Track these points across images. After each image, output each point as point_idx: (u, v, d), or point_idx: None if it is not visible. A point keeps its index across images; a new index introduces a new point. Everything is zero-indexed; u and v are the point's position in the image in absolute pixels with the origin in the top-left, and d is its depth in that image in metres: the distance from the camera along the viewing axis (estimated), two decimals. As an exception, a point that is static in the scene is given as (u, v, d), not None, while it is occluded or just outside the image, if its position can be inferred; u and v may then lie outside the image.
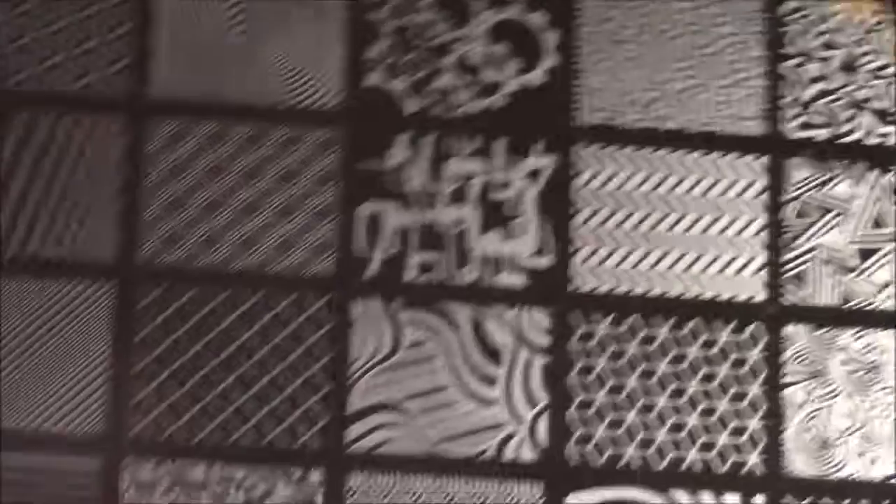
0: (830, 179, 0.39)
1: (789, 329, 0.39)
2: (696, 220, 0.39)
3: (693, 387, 0.38)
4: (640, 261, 0.39)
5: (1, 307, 0.37)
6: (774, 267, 0.39)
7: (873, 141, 0.39)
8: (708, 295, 0.38)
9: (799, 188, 0.40)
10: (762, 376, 0.38)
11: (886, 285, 0.39)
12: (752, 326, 0.38)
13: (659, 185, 0.39)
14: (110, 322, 0.37)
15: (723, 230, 0.39)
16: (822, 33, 0.39)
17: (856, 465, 0.38)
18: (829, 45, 0.39)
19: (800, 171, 0.39)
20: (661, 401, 0.38)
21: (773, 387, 0.38)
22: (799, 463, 0.38)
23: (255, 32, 0.39)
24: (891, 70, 0.39)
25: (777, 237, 0.39)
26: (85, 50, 0.39)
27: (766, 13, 0.39)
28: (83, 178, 0.38)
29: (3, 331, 0.36)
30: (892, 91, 0.39)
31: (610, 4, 0.40)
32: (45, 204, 0.38)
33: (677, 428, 0.38)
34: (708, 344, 0.38)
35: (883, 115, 0.39)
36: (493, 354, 0.38)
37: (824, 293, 0.39)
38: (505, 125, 0.39)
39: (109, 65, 0.38)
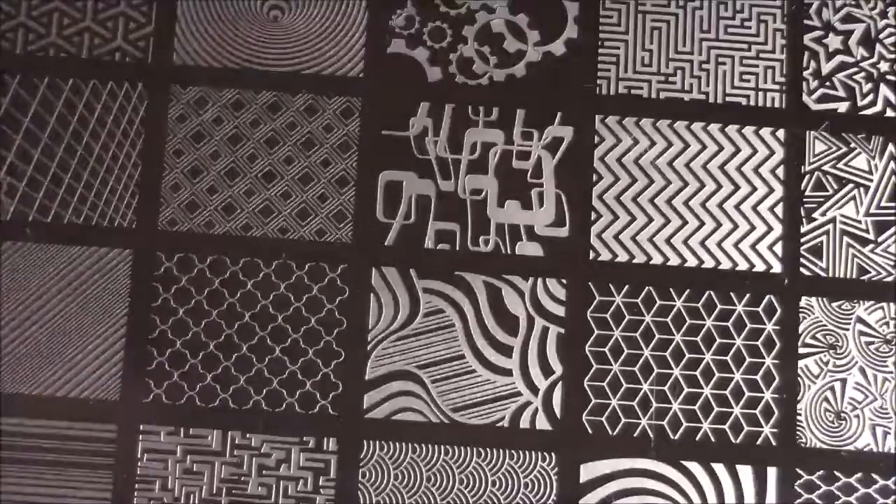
0: (849, 152, 0.38)
1: (805, 301, 0.37)
2: (715, 192, 0.37)
3: (708, 357, 0.37)
4: (658, 231, 0.37)
5: (19, 273, 0.36)
6: (791, 239, 0.38)
7: (892, 114, 0.38)
8: (724, 266, 0.37)
9: (817, 160, 0.38)
10: (777, 348, 0.37)
11: None
12: (767, 298, 0.37)
13: (678, 155, 0.37)
14: (129, 288, 0.36)
15: (740, 202, 0.37)
16: (843, 6, 0.38)
17: (869, 437, 0.36)
18: (850, 17, 0.38)
19: (818, 144, 0.38)
20: (676, 372, 0.37)
21: (788, 359, 0.37)
22: (812, 435, 0.37)
23: (281, 4, 0.38)
24: None
25: (794, 209, 0.38)
26: (109, 16, 0.37)
27: None
28: (104, 144, 0.37)
29: (21, 297, 0.36)
30: None
31: None
32: (66, 169, 0.36)
33: (691, 399, 0.37)
34: (723, 315, 0.37)
35: None
36: (509, 324, 0.37)
37: (840, 266, 0.38)
38: (525, 95, 0.38)
39: (133, 31, 0.36)
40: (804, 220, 0.35)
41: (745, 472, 0.34)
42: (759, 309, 0.35)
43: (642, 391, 0.35)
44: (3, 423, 0.34)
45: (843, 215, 0.35)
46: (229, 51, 0.35)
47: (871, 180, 0.35)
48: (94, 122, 0.34)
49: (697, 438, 0.34)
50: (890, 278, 0.35)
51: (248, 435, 0.34)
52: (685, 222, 0.35)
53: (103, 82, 0.34)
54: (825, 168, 0.35)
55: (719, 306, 0.35)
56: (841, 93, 0.35)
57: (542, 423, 0.34)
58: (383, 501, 0.34)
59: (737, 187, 0.35)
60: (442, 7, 0.36)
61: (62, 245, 0.34)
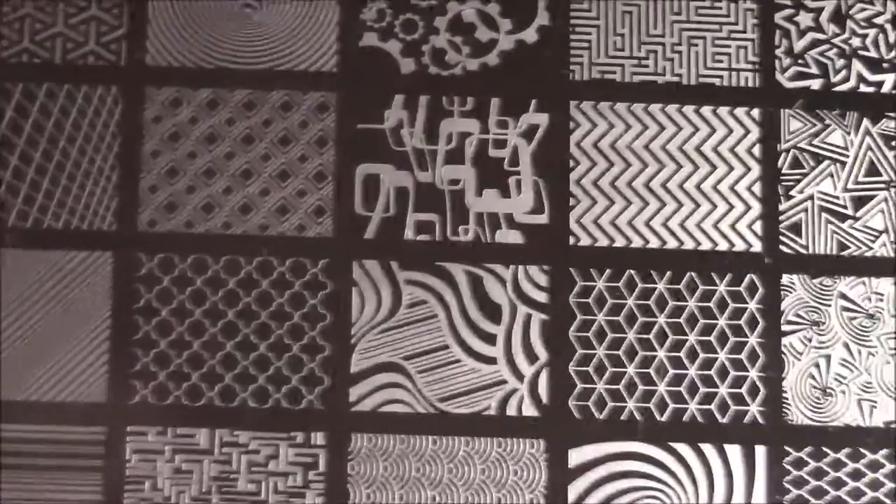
0: (824, 129, 0.38)
1: (786, 278, 0.37)
2: (692, 173, 0.37)
3: (692, 339, 0.37)
4: (637, 215, 0.37)
5: (2, 277, 0.36)
6: (770, 217, 0.38)
7: (865, 89, 0.38)
8: (705, 247, 0.37)
9: (793, 138, 0.38)
10: (760, 327, 0.37)
11: (882, 232, 0.37)
12: (749, 277, 0.37)
13: (654, 138, 0.37)
14: (111, 290, 0.36)
15: (718, 182, 0.37)
16: None
17: (856, 412, 0.36)
18: None
19: (793, 122, 0.38)
20: (661, 353, 0.37)
21: (772, 337, 0.37)
22: (799, 412, 0.37)
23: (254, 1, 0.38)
24: (883, 17, 0.37)
25: (772, 187, 0.38)
26: (81, 20, 0.37)
27: None
28: (80, 147, 0.37)
29: (4, 302, 0.36)
30: (883, 41, 0.38)
31: None
32: (44, 173, 0.36)
33: (677, 380, 0.36)
34: (706, 296, 0.37)
35: (875, 65, 0.38)
36: (492, 312, 0.37)
37: (820, 242, 0.38)
38: (499, 84, 0.38)
39: (105, 34, 0.36)
40: (782, 198, 0.35)
41: (734, 451, 0.34)
42: (741, 288, 0.35)
43: (627, 374, 0.35)
44: None
45: (820, 192, 0.35)
46: (203, 51, 0.35)
47: (847, 156, 0.35)
48: (69, 126, 0.34)
49: (684, 419, 0.34)
50: (870, 253, 0.35)
51: (235, 432, 0.34)
52: (664, 205, 0.35)
53: (77, 86, 0.34)
54: (801, 145, 0.35)
55: (701, 287, 0.35)
56: (814, 70, 0.36)
57: (529, 410, 0.34)
58: (374, 494, 0.34)
59: (714, 168, 0.35)
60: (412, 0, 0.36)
61: (42, 250, 0.34)
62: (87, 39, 0.35)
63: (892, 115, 0.36)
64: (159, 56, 0.35)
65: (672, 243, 0.35)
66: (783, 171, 0.35)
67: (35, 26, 0.35)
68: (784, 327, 0.35)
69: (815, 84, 0.35)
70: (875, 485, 0.34)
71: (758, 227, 0.35)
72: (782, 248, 0.35)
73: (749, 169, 0.35)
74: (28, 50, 0.35)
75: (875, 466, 0.34)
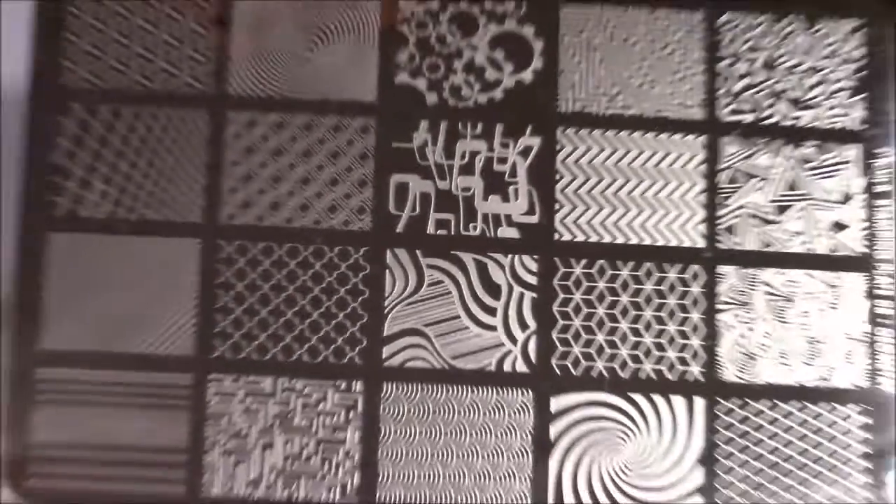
0: (754, 153, 0.41)
1: (722, 269, 0.40)
2: (650, 186, 0.40)
3: (648, 314, 0.40)
4: (608, 217, 0.40)
5: (112, 259, 0.39)
6: (711, 221, 0.40)
7: (788, 123, 0.41)
8: (660, 243, 0.40)
9: (730, 160, 0.41)
10: (701, 305, 0.40)
11: (798, 233, 0.40)
12: (693, 267, 0.40)
13: (622, 158, 0.41)
14: (198, 269, 0.39)
15: (671, 193, 0.40)
16: (748, 39, 0.41)
17: (773, 373, 0.40)
18: (754, 48, 0.41)
19: (730, 147, 0.41)
20: (624, 325, 0.40)
21: (710, 314, 0.40)
22: (730, 372, 0.40)
23: (312, 44, 0.41)
24: (801, 68, 0.41)
25: (712, 198, 0.41)
26: (177, 57, 0.40)
27: (705, 24, 0.41)
28: (176, 156, 0.40)
29: (114, 277, 0.39)
30: (803, 85, 0.41)
31: (585, 18, 0.41)
32: (148, 176, 0.39)
33: (636, 346, 0.40)
34: (659, 281, 0.40)
35: (796, 104, 0.41)
36: (493, 291, 0.40)
37: (749, 240, 0.41)
38: (502, 113, 0.41)
39: (195, 69, 0.40)
40: (720, 206, 0.40)
41: (678, 401, 0.39)
42: (687, 276, 0.39)
43: (597, 340, 0.39)
44: (99, 376, 0.38)
45: (751, 202, 0.40)
46: (273, 83, 0.40)
47: (771, 174, 0.40)
48: (168, 141, 0.39)
49: (640, 376, 0.39)
50: (787, 249, 0.40)
51: (293, 380, 0.39)
52: (628, 209, 0.40)
53: (174, 109, 0.39)
54: (736, 165, 0.40)
55: (656, 274, 0.39)
56: (747, 107, 0.40)
57: (521, 367, 0.39)
58: (400, 429, 0.39)
59: (667, 182, 0.40)
60: (437, 47, 0.40)
61: (147, 236, 0.39)
62: (182, 72, 0.40)
63: (806, 143, 0.40)
64: (239, 87, 0.40)
65: (634, 240, 0.40)
66: (721, 185, 0.40)
67: (142, 63, 0.40)
68: (719, 307, 0.40)
69: (748, 118, 0.40)
70: (786, 427, 0.39)
71: (701, 228, 0.40)
72: (719, 245, 0.40)
73: (695, 183, 0.40)
74: (137, 81, 0.40)
75: (788, 415, 0.39)
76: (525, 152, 0.40)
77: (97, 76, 0.40)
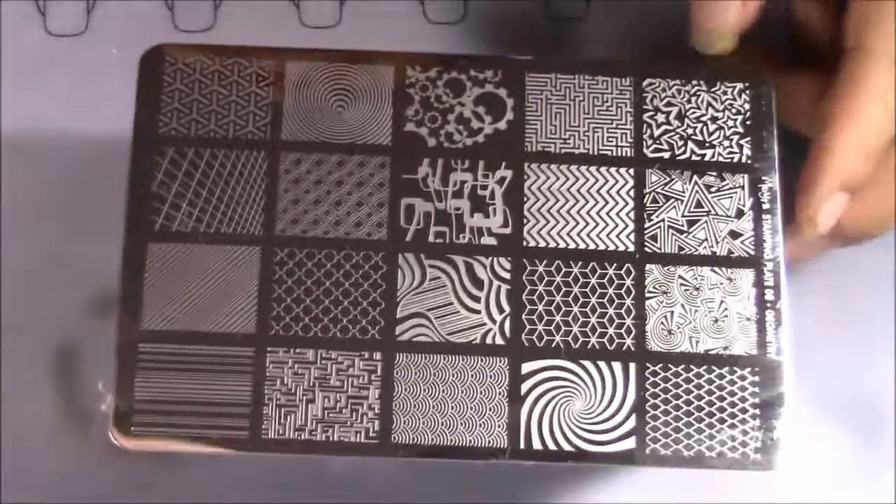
0: (671, 181, 0.43)
1: (647, 266, 0.43)
2: (595, 205, 0.43)
3: (593, 300, 0.42)
4: (563, 228, 0.42)
5: (195, 262, 0.41)
6: (639, 231, 0.43)
7: (695, 158, 0.44)
8: (602, 248, 0.43)
9: (653, 186, 0.43)
10: (632, 294, 0.42)
11: (704, 240, 0.43)
12: (627, 265, 0.42)
13: (573, 185, 0.43)
14: (258, 269, 0.42)
15: (610, 210, 0.43)
16: (665, 97, 0.44)
17: (687, 344, 0.42)
18: (670, 104, 0.44)
19: (653, 176, 0.43)
20: (576, 309, 0.42)
21: (639, 300, 0.42)
22: (655, 344, 0.42)
23: (342, 102, 0.43)
24: (706, 116, 0.43)
25: (640, 214, 0.43)
26: (245, 112, 0.43)
27: (632, 86, 0.44)
28: (242, 185, 0.42)
29: (196, 276, 0.41)
30: (705, 130, 0.44)
31: (544, 83, 0.44)
32: (221, 200, 0.42)
33: (585, 324, 0.42)
34: (602, 276, 0.42)
35: (701, 144, 0.44)
36: (478, 284, 0.42)
37: (668, 245, 0.43)
38: (484, 153, 0.43)
39: (256, 122, 0.43)
40: (646, 220, 0.42)
41: (617, 366, 0.41)
42: (622, 272, 0.42)
43: (556, 321, 0.41)
44: (186, 349, 0.41)
45: (669, 217, 0.42)
46: (313, 130, 0.43)
47: (683, 196, 0.43)
48: (236, 173, 0.42)
49: (588, 347, 0.41)
50: (696, 252, 0.43)
51: (329, 351, 0.41)
52: (578, 223, 0.42)
53: (241, 152, 0.42)
54: (657, 190, 0.42)
55: (599, 270, 0.42)
56: (665, 147, 0.43)
57: (499, 341, 0.41)
58: (409, 389, 0.41)
59: (606, 202, 0.42)
60: (435, 104, 0.43)
61: (217, 245, 0.41)
62: (247, 124, 0.43)
63: (709, 173, 0.43)
64: (289, 134, 0.42)
65: (583, 245, 0.42)
66: (647, 204, 0.42)
67: (217, 116, 0.42)
68: (647, 295, 0.42)
69: (666, 155, 0.43)
70: (697, 385, 0.41)
71: (632, 237, 0.42)
72: (646, 249, 0.42)
73: (627, 203, 0.42)
74: (213, 129, 0.42)
75: (699, 376, 0.41)
76: (501, 181, 0.42)
77: (185, 126, 0.42)
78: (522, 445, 0.41)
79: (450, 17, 0.51)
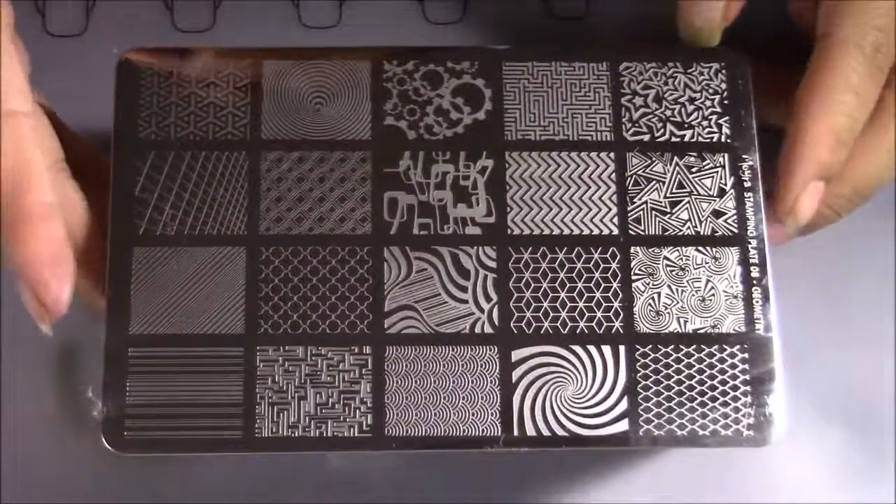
0: (652, 163, 0.43)
1: (632, 249, 0.42)
2: (577, 190, 0.42)
3: (580, 285, 0.42)
4: (546, 215, 0.42)
5: (174, 265, 0.41)
6: (622, 214, 0.43)
7: (675, 140, 0.43)
8: (586, 232, 0.42)
9: (634, 169, 0.43)
10: (619, 277, 0.42)
11: (687, 220, 0.42)
12: (612, 248, 0.42)
13: (555, 171, 0.42)
14: (244, 268, 0.41)
15: (593, 195, 0.42)
16: (642, 80, 0.44)
17: (676, 325, 0.42)
18: (647, 86, 0.43)
19: (634, 159, 0.43)
20: (563, 294, 0.42)
21: (626, 283, 0.42)
22: (643, 325, 0.42)
23: (321, 99, 0.43)
24: (684, 97, 0.43)
25: (623, 197, 0.43)
26: (225, 114, 0.42)
27: (609, 71, 0.44)
28: (224, 185, 0.42)
29: (182, 278, 0.41)
30: (684, 111, 0.43)
31: (521, 71, 0.44)
32: (204, 202, 0.41)
33: (573, 309, 0.41)
34: (588, 260, 0.42)
35: (680, 125, 0.43)
36: (464, 274, 0.42)
37: (652, 227, 0.43)
38: (464, 143, 0.43)
39: (236, 123, 0.42)
40: (629, 203, 0.42)
41: (607, 350, 0.41)
42: (608, 255, 0.41)
43: (543, 307, 0.41)
44: (174, 352, 0.40)
45: (651, 199, 0.42)
46: (294, 128, 0.42)
47: (665, 178, 0.42)
48: (218, 175, 0.41)
49: (577, 332, 0.41)
50: (679, 233, 0.42)
51: (319, 347, 0.40)
52: (561, 208, 0.42)
53: (221, 153, 0.42)
54: (638, 172, 0.42)
55: (584, 255, 0.41)
56: (644, 130, 0.43)
57: (488, 329, 0.41)
58: (398, 381, 0.40)
59: (588, 187, 0.42)
60: (413, 97, 0.43)
61: (201, 247, 0.41)
62: (227, 126, 0.42)
63: (689, 154, 0.43)
64: (268, 133, 0.42)
65: (567, 231, 0.42)
66: (629, 187, 0.42)
67: (196, 118, 0.42)
68: (633, 277, 0.42)
69: (646, 138, 0.43)
70: (687, 365, 0.41)
71: (616, 220, 0.42)
72: (630, 232, 0.42)
73: (609, 187, 0.42)
74: (192, 131, 0.42)
75: (688, 354, 0.41)
76: (482, 171, 0.42)
77: (164, 130, 0.42)
78: (516, 433, 0.40)
79: (449, 17, 0.50)
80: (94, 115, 0.44)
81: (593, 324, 0.41)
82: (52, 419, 0.45)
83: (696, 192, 0.42)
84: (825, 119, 0.36)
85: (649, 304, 0.42)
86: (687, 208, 0.42)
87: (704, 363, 0.41)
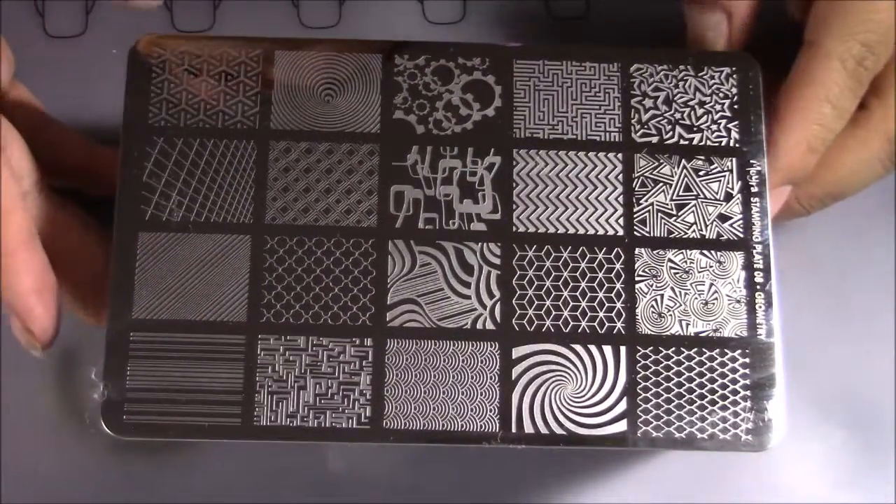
0: (659, 165, 0.43)
1: (637, 250, 0.42)
2: (584, 190, 0.42)
3: (583, 284, 0.41)
4: (552, 214, 0.42)
5: (179, 251, 0.41)
6: (628, 215, 0.42)
7: (683, 142, 0.43)
8: (591, 232, 0.42)
9: (641, 171, 0.42)
10: (622, 278, 0.41)
11: (693, 223, 0.42)
12: (617, 249, 0.42)
13: (562, 170, 0.42)
14: (248, 257, 0.41)
15: (598, 195, 0.42)
16: (652, 82, 0.43)
17: (677, 327, 0.41)
18: (658, 89, 0.43)
19: (641, 161, 0.43)
20: (566, 293, 0.41)
21: (629, 284, 0.41)
22: (645, 327, 0.41)
23: (331, 90, 0.42)
24: (694, 101, 0.43)
25: (629, 198, 0.42)
26: (235, 102, 0.42)
27: (620, 72, 0.43)
28: (232, 174, 0.41)
29: (187, 265, 0.40)
30: (693, 114, 0.43)
31: (531, 70, 0.43)
32: (212, 189, 0.41)
33: (575, 308, 0.41)
34: (592, 260, 0.41)
35: (689, 128, 0.43)
36: (468, 269, 0.41)
37: (657, 230, 0.42)
38: (473, 139, 0.42)
39: (246, 111, 0.42)
40: (635, 204, 0.42)
41: (608, 349, 0.40)
42: (612, 255, 0.41)
43: (546, 305, 0.41)
44: (176, 338, 0.40)
45: (658, 201, 0.42)
46: (302, 119, 0.42)
47: (672, 180, 0.42)
48: (226, 162, 0.41)
49: (579, 331, 0.40)
50: (685, 236, 0.42)
51: (320, 338, 0.40)
52: (567, 207, 0.41)
53: (230, 141, 0.41)
54: (646, 174, 0.42)
55: (588, 255, 0.41)
56: (653, 132, 0.42)
57: (490, 326, 0.40)
58: (398, 374, 0.40)
59: (595, 187, 0.41)
60: (423, 91, 0.42)
61: (208, 234, 0.41)
62: (237, 114, 0.42)
63: (697, 157, 0.42)
64: (277, 123, 0.42)
65: (572, 230, 0.41)
66: (635, 188, 0.42)
67: (206, 106, 0.42)
68: (637, 278, 0.41)
69: (654, 139, 0.42)
70: (688, 368, 0.41)
71: (621, 221, 0.41)
72: (635, 233, 0.41)
73: (616, 188, 0.42)
74: (202, 119, 0.41)
75: (689, 357, 0.41)
76: (490, 167, 0.41)
77: (174, 117, 0.42)
78: (514, 430, 0.40)
79: (449, 17, 0.50)
80: (93, 115, 0.44)
81: (595, 324, 0.41)
82: (52, 419, 0.45)
83: (702, 196, 0.42)
84: (800, 128, 0.36)
85: (652, 306, 0.41)
86: (693, 211, 0.42)
87: (705, 366, 0.41)
